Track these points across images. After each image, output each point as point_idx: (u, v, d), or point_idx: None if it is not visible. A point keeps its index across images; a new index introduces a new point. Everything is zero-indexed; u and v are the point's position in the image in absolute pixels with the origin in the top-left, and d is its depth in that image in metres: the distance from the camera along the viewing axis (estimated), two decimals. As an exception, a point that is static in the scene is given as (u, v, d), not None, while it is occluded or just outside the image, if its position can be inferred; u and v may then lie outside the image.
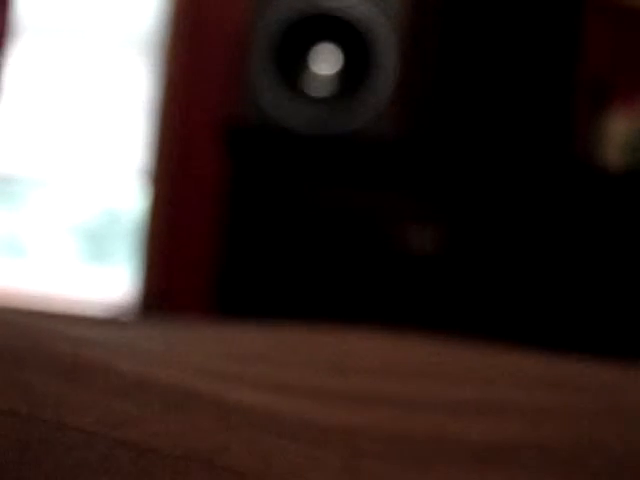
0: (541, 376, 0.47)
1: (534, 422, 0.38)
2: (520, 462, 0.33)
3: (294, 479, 0.29)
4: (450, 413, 0.39)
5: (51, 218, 2.60)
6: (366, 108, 1.82)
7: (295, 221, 1.79)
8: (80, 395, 0.33)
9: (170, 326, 0.60)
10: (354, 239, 1.77)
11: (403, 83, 1.86)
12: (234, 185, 1.81)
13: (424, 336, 0.58)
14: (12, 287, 2.50)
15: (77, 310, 2.36)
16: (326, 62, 1.86)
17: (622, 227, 1.75)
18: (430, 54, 1.87)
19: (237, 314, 1.77)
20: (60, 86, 2.51)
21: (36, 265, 2.60)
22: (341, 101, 1.83)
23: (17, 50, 2.50)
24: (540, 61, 1.85)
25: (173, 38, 2.41)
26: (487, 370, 0.48)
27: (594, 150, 1.93)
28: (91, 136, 2.49)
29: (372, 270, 1.77)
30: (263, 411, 0.36)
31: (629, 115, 1.85)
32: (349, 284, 1.78)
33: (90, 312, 2.10)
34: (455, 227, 1.77)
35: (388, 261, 1.77)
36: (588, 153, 1.98)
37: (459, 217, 1.77)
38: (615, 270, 1.75)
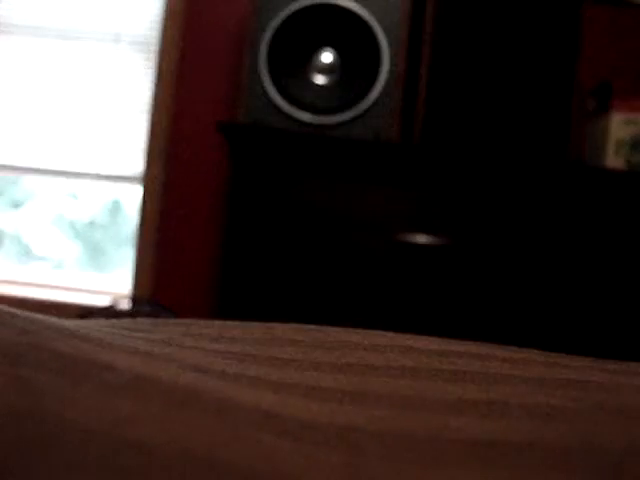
0: (542, 376, 0.47)
1: (535, 422, 0.38)
2: (521, 462, 0.33)
3: (294, 478, 0.29)
4: (451, 412, 0.38)
5: (49, 218, 2.60)
6: (365, 109, 1.82)
7: (294, 221, 1.79)
8: (80, 393, 0.32)
9: (170, 325, 0.60)
10: (354, 239, 1.77)
11: (402, 83, 1.86)
12: (233, 185, 1.81)
13: (425, 335, 0.58)
14: (13, 285, 2.50)
15: (76, 310, 2.37)
16: (325, 62, 1.86)
17: (622, 227, 1.75)
18: (429, 54, 1.87)
19: (237, 313, 1.77)
20: (57, 85, 2.51)
21: (36, 264, 2.60)
22: (340, 102, 1.83)
23: (14, 48, 2.50)
24: (539, 61, 1.85)
25: (170, 36, 2.41)
26: (488, 369, 0.48)
27: (594, 151, 1.93)
28: (88, 134, 2.48)
29: (372, 270, 1.77)
30: (263, 410, 0.36)
31: (629, 115, 1.84)
32: (349, 283, 1.78)
33: (89, 312, 2.10)
34: (455, 227, 1.77)
35: (388, 260, 1.77)
36: (588, 154, 1.98)
37: (459, 217, 1.77)
38: (616, 269, 1.75)
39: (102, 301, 2.40)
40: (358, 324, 1.75)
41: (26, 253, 2.58)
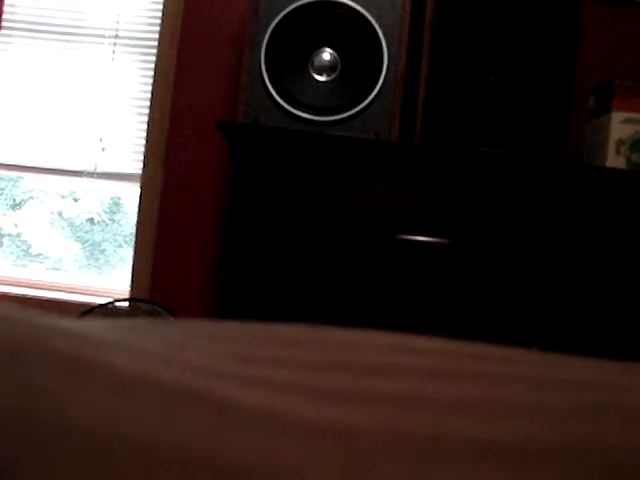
0: (541, 376, 0.47)
1: (535, 422, 0.38)
2: (520, 462, 0.33)
3: (293, 479, 0.29)
4: (451, 412, 0.38)
5: (48, 218, 2.60)
6: (365, 108, 1.82)
7: (294, 220, 1.79)
8: (80, 392, 0.32)
9: (170, 325, 0.60)
10: (354, 238, 1.77)
11: (402, 82, 1.86)
12: (233, 184, 1.81)
13: (425, 335, 0.58)
14: (12, 284, 2.50)
15: (75, 310, 2.37)
16: (325, 61, 1.86)
17: (622, 227, 1.75)
18: (429, 54, 1.87)
19: (236, 313, 1.77)
20: (57, 85, 2.50)
21: (34, 265, 2.60)
22: (340, 101, 1.83)
23: (14, 47, 2.50)
24: (539, 61, 1.85)
25: (169, 35, 2.41)
26: (487, 369, 0.48)
27: (594, 150, 1.93)
28: (86, 134, 2.48)
29: (371, 269, 1.77)
30: (262, 410, 0.36)
31: (629, 115, 1.85)
32: (348, 283, 1.78)
33: (88, 312, 2.10)
34: (455, 227, 1.77)
35: (387, 260, 1.77)
36: (588, 153, 1.98)
37: (459, 216, 1.77)
38: (616, 269, 1.75)
39: (101, 301, 2.40)
40: (358, 324, 1.75)
41: (25, 252, 2.58)
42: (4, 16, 2.49)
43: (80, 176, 2.44)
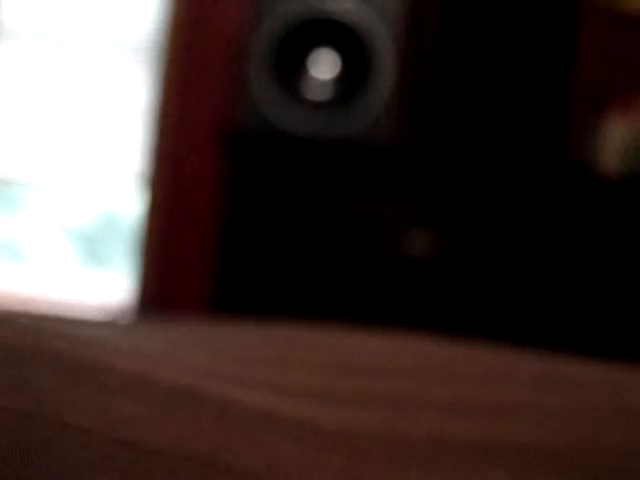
0: (541, 376, 0.47)
1: (535, 422, 0.38)
2: (521, 461, 0.33)
3: (293, 479, 0.29)
4: (450, 413, 0.38)
5: (49, 221, 2.60)
6: (364, 113, 1.82)
7: (293, 225, 1.79)
8: (81, 394, 0.32)
9: (170, 327, 0.60)
10: (352, 244, 1.77)
11: (401, 87, 1.86)
12: (232, 189, 1.81)
13: (424, 337, 0.58)
14: (11, 291, 2.50)
15: (76, 313, 2.36)
16: (325, 66, 1.86)
17: (620, 232, 1.75)
18: (428, 59, 1.88)
19: (236, 314, 1.77)
20: (58, 90, 2.51)
21: (34, 269, 2.60)
22: (340, 106, 1.83)
23: (16, 54, 2.50)
24: (537, 66, 1.85)
25: (171, 42, 2.41)
26: (487, 370, 0.48)
27: (592, 155, 1.93)
28: (89, 140, 2.48)
29: (370, 275, 1.77)
30: (263, 411, 0.36)
31: (626, 120, 1.85)
32: (348, 289, 1.78)
33: (89, 315, 2.10)
34: (453, 232, 1.77)
35: (386, 266, 1.77)
36: (586, 158, 1.98)
37: (457, 222, 1.77)
38: (614, 272, 1.75)
39: (101, 303, 2.40)
40: (357, 326, 1.75)
41: (25, 255, 2.58)
42: (4, 21, 2.49)
43: (82, 180, 2.44)
